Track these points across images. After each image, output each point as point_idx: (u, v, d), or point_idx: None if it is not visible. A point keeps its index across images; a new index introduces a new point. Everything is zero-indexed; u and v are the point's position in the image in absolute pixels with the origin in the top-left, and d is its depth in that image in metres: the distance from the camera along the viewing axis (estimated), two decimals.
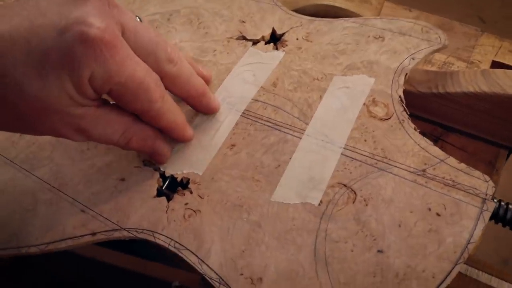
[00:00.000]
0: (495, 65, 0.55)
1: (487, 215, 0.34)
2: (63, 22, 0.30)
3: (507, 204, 0.42)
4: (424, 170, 0.36)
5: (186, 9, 0.49)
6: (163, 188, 0.38)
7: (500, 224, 0.39)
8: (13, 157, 0.41)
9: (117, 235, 0.36)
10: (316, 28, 0.46)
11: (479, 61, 0.54)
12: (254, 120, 0.40)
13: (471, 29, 0.58)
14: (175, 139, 0.39)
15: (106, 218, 0.37)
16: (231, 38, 0.46)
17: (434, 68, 0.52)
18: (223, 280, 0.34)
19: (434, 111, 0.44)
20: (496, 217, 0.41)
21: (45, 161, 0.41)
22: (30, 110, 0.31)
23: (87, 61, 0.30)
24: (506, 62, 0.55)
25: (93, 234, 0.37)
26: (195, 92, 0.39)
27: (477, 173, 0.36)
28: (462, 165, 0.36)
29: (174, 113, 0.37)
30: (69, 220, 0.37)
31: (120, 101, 0.34)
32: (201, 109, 0.41)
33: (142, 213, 0.37)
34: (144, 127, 0.37)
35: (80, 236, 0.37)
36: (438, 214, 0.34)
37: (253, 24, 0.47)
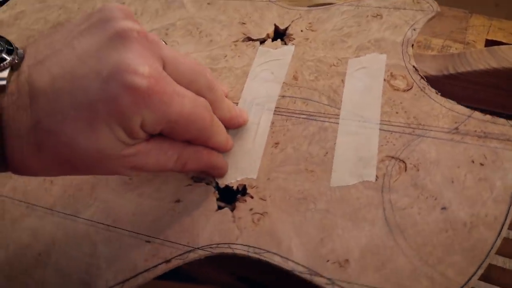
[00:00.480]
0: (489, 43, 0.59)
1: None
2: (104, 69, 0.29)
3: None
4: (457, 128, 0.40)
5: (181, 21, 0.49)
6: (219, 199, 0.39)
7: None
8: (52, 205, 0.40)
9: (192, 256, 0.37)
10: (315, 17, 0.48)
11: (474, 41, 0.59)
12: (288, 115, 0.42)
13: (460, 12, 0.62)
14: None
15: (175, 243, 0.37)
16: (237, 41, 0.47)
17: (434, 53, 0.55)
18: (313, 270, 0.35)
19: (446, 93, 0.48)
20: None
21: (89, 201, 0.40)
22: (85, 162, 0.31)
23: (136, 110, 0.30)
24: (499, 39, 0.59)
25: (167, 261, 0.37)
26: (229, 114, 0.40)
27: (502, 120, 0.40)
28: (488, 117, 0.40)
29: (221, 133, 0.38)
30: (137, 253, 0.37)
31: (172, 135, 0.35)
32: (234, 127, 0.42)
33: (210, 228, 0.37)
34: (196, 147, 0.37)
35: (154, 266, 0.37)
36: (481, 164, 0.38)
37: (254, 24, 0.48)
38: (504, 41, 0.60)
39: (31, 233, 0.39)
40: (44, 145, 0.30)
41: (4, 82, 0.29)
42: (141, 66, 0.30)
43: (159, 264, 0.37)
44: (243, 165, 0.40)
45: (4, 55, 0.30)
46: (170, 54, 0.33)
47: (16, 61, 0.30)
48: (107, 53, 0.30)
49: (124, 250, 0.37)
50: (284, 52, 0.46)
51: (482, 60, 0.45)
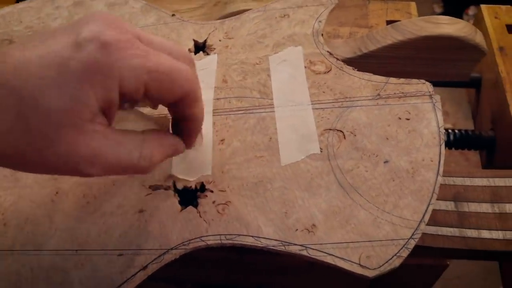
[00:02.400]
0: (389, 23, 0.65)
1: (439, 105, 0.43)
2: (76, 37, 0.29)
3: (453, 130, 0.58)
4: (378, 94, 0.44)
5: None
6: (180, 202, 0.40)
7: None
8: (11, 246, 0.39)
9: (168, 257, 0.37)
10: (230, 26, 0.51)
11: (376, 24, 0.65)
12: (227, 114, 0.44)
13: (358, 1, 0.69)
14: (193, 134, 0.38)
15: (148, 249, 0.38)
16: None
17: (345, 39, 0.60)
18: (285, 241, 0.37)
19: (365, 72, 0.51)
20: (449, 144, 0.56)
21: (50, 232, 0.39)
22: (45, 125, 0.29)
23: (114, 63, 0.29)
24: (397, 19, 0.67)
25: (144, 268, 0.37)
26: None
27: (415, 80, 0.45)
28: (402, 80, 0.45)
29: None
30: (112, 268, 0.37)
31: (161, 90, 0.32)
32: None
33: (179, 228, 0.38)
34: (156, 133, 0.35)
35: (132, 276, 0.37)
36: (407, 119, 0.42)
37: (174, 42, 0.51)
38: (402, 19, 0.66)
39: None
40: (5, 104, 0.28)
41: None
42: (112, 30, 0.30)
43: (137, 272, 0.37)
44: (196, 165, 0.42)
45: None
46: (143, 32, 0.33)
47: None
48: (76, 29, 0.30)
49: (98, 269, 0.37)
50: (208, 61, 0.49)
51: (389, 36, 0.51)
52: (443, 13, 2.28)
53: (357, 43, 0.51)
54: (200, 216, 0.39)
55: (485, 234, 0.44)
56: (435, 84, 0.56)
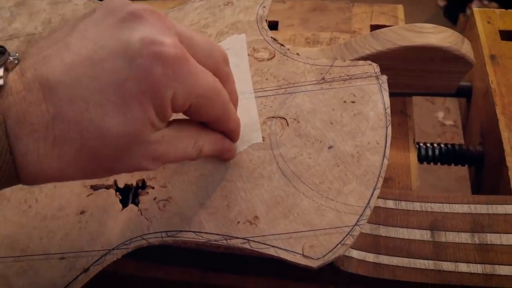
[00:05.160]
0: (373, 28, 0.62)
1: (385, 85, 0.42)
2: (127, 47, 0.28)
3: (425, 144, 0.55)
4: (323, 78, 0.43)
5: None
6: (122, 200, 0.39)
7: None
8: None
9: (110, 258, 0.37)
10: (172, 17, 0.50)
11: (359, 29, 0.62)
12: None
13: (342, 3, 0.66)
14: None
15: (89, 251, 0.37)
16: None
17: (323, 46, 0.57)
18: (227, 235, 0.36)
19: None
20: (420, 158, 0.54)
21: None
22: (114, 150, 0.29)
23: (169, 82, 0.29)
24: (382, 23, 0.63)
25: (86, 270, 0.36)
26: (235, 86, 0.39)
27: (361, 62, 0.44)
28: (348, 62, 0.44)
29: (235, 112, 0.37)
30: (54, 272, 0.37)
31: (199, 112, 0.33)
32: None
33: (120, 227, 0.38)
34: (210, 131, 0.36)
35: (74, 279, 0.36)
36: (352, 102, 0.41)
37: (209, 39, 0.49)
38: (387, 24, 0.63)
39: None
40: (67, 138, 0.28)
41: (1, 81, 0.27)
42: (165, 37, 0.29)
43: (78, 275, 0.36)
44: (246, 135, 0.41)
45: None
46: (184, 29, 0.32)
47: (9, 61, 0.28)
48: (125, 33, 0.28)
49: (40, 274, 0.37)
50: (232, 41, 0.47)
51: (368, 45, 0.47)
52: (446, 7, 2.26)
53: (333, 52, 0.48)
54: (141, 214, 0.38)
55: (463, 267, 0.40)
56: (422, 94, 0.55)
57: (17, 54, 0.29)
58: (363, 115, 0.41)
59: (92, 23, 0.29)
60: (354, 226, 0.36)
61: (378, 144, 0.39)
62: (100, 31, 0.29)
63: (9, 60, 0.29)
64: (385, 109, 0.40)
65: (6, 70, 0.28)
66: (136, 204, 0.39)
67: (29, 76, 0.27)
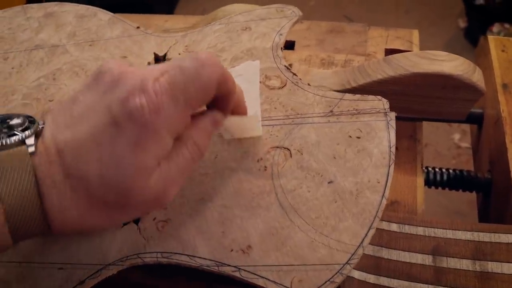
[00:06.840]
0: (388, 52, 0.63)
1: (393, 123, 0.42)
2: (110, 114, 0.31)
3: (434, 168, 0.55)
4: (331, 111, 0.43)
5: (66, 65, 0.51)
6: None
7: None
8: None
9: (105, 273, 0.38)
10: (191, 39, 0.51)
11: (374, 52, 0.63)
12: None
13: (358, 26, 0.67)
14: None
15: (86, 264, 0.38)
16: None
17: (338, 68, 0.58)
18: (219, 262, 0.37)
19: None
20: (428, 182, 0.53)
21: None
22: (118, 197, 0.32)
23: (158, 132, 0.31)
24: (397, 47, 0.64)
25: (81, 282, 0.37)
26: None
27: (371, 97, 0.43)
28: (358, 96, 0.44)
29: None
30: (51, 282, 0.38)
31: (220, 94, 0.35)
32: None
33: (118, 244, 0.39)
34: (194, 122, 0.36)
35: None
36: (358, 137, 0.41)
37: (135, 55, 0.51)
38: (402, 48, 0.64)
39: None
40: (78, 190, 0.31)
41: (33, 148, 0.31)
42: (140, 90, 0.31)
43: (74, 287, 0.37)
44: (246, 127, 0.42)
45: (29, 125, 0.33)
46: (166, 66, 0.33)
47: (39, 129, 0.33)
48: (109, 97, 0.32)
49: (38, 283, 0.38)
50: (246, 67, 0.48)
51: (380, 70, 0.48)
52: (467, 28, 2.22)
53: (347, 75, 0.49)
54: (140, 233, 0.39)
55: None
56: (433, 119, 0.54)
57: (43, 122, 0.34)
58: (367, 151, 0.40)
59: (88, 92, 0.34)
60: (344, 264, 0.36)
61: (378, 182, 0.39)
62: (92, 101, 0.33)
63: (38, 129, 0.33)
64: (390, 147, 0.40)
65: (36, 137, 0.32)
66: (136, 222, 0.40)
67: (48, 142, 0.32)
